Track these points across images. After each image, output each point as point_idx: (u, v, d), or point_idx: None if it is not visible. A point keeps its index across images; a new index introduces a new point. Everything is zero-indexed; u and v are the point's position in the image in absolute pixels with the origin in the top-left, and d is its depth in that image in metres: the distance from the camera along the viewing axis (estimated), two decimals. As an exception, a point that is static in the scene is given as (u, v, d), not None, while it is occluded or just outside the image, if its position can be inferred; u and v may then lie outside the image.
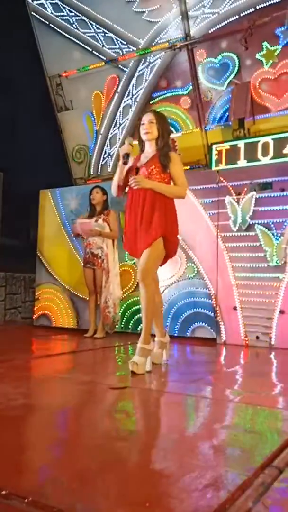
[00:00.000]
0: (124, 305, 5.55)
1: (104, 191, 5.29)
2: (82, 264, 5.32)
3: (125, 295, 5.53)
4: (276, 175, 4.72)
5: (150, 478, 1.44)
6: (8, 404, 2.22)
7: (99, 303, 5.21)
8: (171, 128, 6.23)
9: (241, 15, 5.69)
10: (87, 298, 5.44)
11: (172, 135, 6.24)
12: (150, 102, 6.51)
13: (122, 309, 5.54)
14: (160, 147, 3.33)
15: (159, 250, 3.23)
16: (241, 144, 5.28)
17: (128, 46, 6.60)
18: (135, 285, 5.50)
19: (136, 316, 5.47)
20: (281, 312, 4.56)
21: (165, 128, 3.39)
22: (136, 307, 5.48)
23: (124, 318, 5.56)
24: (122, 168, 3.39)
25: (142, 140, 3.42)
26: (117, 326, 5.33)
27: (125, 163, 3.35)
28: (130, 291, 5.54)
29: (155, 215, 3.19)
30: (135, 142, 3.47)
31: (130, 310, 5.54)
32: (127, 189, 3.45)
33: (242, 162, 5.24)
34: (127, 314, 5.55)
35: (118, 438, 1.84)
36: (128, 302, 5.55)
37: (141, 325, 5.32)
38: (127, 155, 3.33)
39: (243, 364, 3.99)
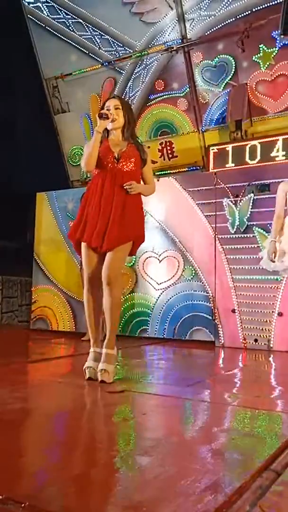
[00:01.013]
0: (121, 309, 5.52)
1: None
2: (80, 266, 5.28)
3: (122, 298, 5.51)
4: (274, 177, 4.71)
5: (148, 482, 1.43)
6: (5, 408, 2.20)
7: None
8: (167, 130, 6.29)
9: (238, 17, 5.68)
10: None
11: (169, 137, 6.24)
12: (147, 104, 6.49)
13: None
14: (127, 136, 3.07)
15: (126, 252, 3.01)
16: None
17: (124, 48, 6.59)
18: (131, 288, 5.48)
19: (135, 320, 5.45)
20: (280, 314, 4.54)
21: (131, 116, 3.12)
22: (133, 310, 5.46)
23: (121, 322, 5.53)
24: (99, 137, 2.98)
25: (106, 128, 3.06)
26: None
27: (100, 116, 2.96)
28: (127, 294, 5.51)
29: (130, 218, 2.96)
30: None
31: (127, 314, 5.51)
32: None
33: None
34: (124, 317, 5.52)
35: (115, 442, 1.82)
36: (125, 305, 5.52)
37: (140, 328, 5.36)
38: (105, 115, 2.96)
39: (241, 367, 3.96)
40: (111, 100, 3.08)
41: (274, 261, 3.51)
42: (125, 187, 2.96)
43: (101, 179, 2.99)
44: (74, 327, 5.87)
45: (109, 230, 2.90)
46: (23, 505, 1.22)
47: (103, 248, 2.90)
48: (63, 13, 6.92)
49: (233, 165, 5.18)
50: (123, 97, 6.66)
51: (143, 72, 6.51)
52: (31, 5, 7.12)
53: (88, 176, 7.07)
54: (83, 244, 2.99)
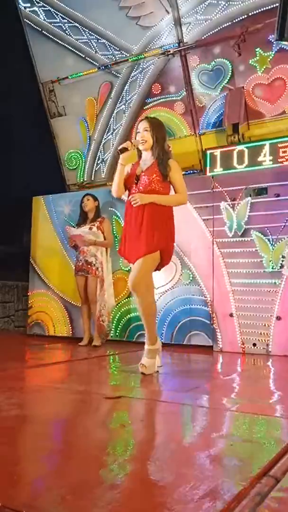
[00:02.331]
0: (119, 314, 5.50)
1: (95, 198, 5.26)
2: (74, 271, 5.25)
3: (119, 303, 5.48)
4: (271, 180, 4.70)
5: (146, 489, 1.41)
6: (1, 415, 2.17)
7: (92, 311, 5.16)
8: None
9: (234, 21, 5.69)
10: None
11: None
12: (144, 108, 6.49)
13: (116, 318, 5.49)
14: (157, 154, 3.34)
15: (154, 261, 3.31)
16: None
17: (121, 52, 6.59)
18: (129, 293, 5.45)
19: (132, 325, 5.42)
20: (278, 318, 4.51)
21: (160, 135, 3.39)
22: (131, 315, 5.43)
23: (119, 327, 5.50)
24: (122, 168, 3.40)
25: (139, 149, 3.44)
26: (110, 335, 5.30)
27: (118, 152, 3.36)
28: (124, 299, 5.49)
29: (154, 228, 3.25)
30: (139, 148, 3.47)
31: (124, 319, 5.48)
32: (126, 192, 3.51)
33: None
34: (121, 322, 5.49)
35: (113, 448, 1.80)
36: (122, 310, 5.49)
37: (138, 333, 5.32)
38: (123, 149, 3.34)
39: (240, 372, 3.94)
40: (141, 123, 3.44)
41: None
42: (129, 199, 3.32)
43: (128, 202, 3.38)
44: (71, 332, 5.83)
45: (135, 244, 3.29)
46: (20, 513, 1.20)
47: (132, 260, 3.33)
48: (60, 17, 6.93)
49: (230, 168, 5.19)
50: (120, 100, 6.68)
51: (139, 75, 6.51)
52: (27, 9, 7.12)
53: (85, 179, 7.07)
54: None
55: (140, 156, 3.48)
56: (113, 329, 5.45)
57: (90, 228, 5.08)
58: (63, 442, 1.94)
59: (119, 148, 3.36)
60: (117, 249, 3.65)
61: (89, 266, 5.05)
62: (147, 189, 3.30)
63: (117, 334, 5.49)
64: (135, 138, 3.46)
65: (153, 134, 3.36)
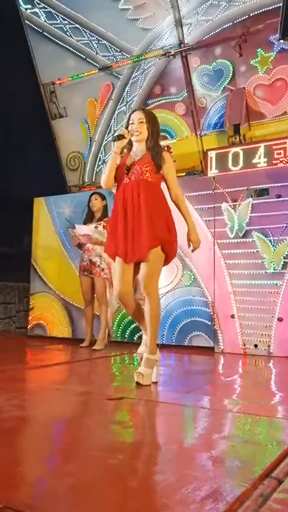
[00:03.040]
0: (120, 314, 5.49)
1: (103, 196, 5.22)
2: (78, 271, 5.21)
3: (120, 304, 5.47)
4: (272, 181, 4.69)
5: (148, 490, 1.41)
6: (2, 416, 2.17)
7: (97, 313, 5.11)
8: (166, 134, 6.28)
9: (235, 22, 5.69)
10: (83, 307, 5.34)
11: (167, 142, 6.23)
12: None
13: (117, 319, 5.48)
14: (150, 147, 3.15)
15: (160, 262, 3.09)
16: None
17: (122, 53, 6.59)
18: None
19: (132, 326, 5.41)
20: (280, 319, 4.50)
21: (155, 128, 3.20)
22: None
23: (120, 328, 5.49)
24: (116, 157, 3.15)
25: (131, 140, 3.19)
26: (112, 337, 5.30)
27: (114, 139, 3.15)
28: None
29: (153, 222, 3.02)
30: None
31: (126, 320, 5.47)
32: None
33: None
34: (123, 323, 5.48)
35: (115, 449, 1.79)
36: (124, 311, 5.48)
37: (137, 334, 5.31)
38: (120, 136, 3.11)
39: (241, 373, 3.93)
40: (136, 113, 3.20)
41: None
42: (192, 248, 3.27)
43: (121, 192, 3.15)
44: (71, 334, 5.83)
45: (136, 240, 3.02)
46: (22, 514, 1.20)
47: (134, 258, 3.04)
48: (60, 19, 6.93)
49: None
50: (121, 101, 6.68)
51: (140, 77, 6.51)
52: (28, 10, 7.13)
53: (86, 181, 7.07)
54: (117, 259, 3.12)
55: (130, 148, 3.23)
56: (114, 330, 5.45)
57: (96, 227, 5.04)
58: (64, 443, 1.94)
59: (115, 135, 3.12)
60: (105, 248, 3.32)
61: (93, 266, 4.99)
62: (139, 179, 3.09)
63: (118, 335, 5.48)
64: (128, 129, 3.20)
65: (148, 126, 3.15)
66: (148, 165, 3.10)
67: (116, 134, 3.20)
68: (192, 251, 3.28)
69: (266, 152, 5.02)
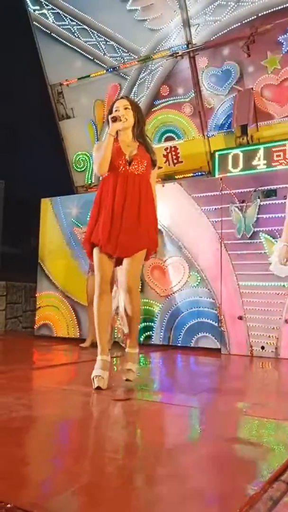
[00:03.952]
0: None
1: None
2: (89, 271, 5.13)
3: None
4: (280, 182, 4.67)
5: (156, 492, 1.40)
6: (11, 416, 2.17)
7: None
8: (172, 135, 6.28)
9: (243, 22, 5.67)
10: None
11: (174, 142, 6.22)
12: (152, 110, 6.48)
13: (124, 319, 5.47)
14: (139, 136, 3.08)
15: (143, 259, 3.04)
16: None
17: (129, 54, 6.59)
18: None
19: (140, 327, 5.39)
20: (287, 321, 4.48)
21: (141, 116, 3.13)
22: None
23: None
24: (111, 140, 2.95)
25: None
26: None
27: (111, 120, 2.95)
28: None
29: (143, 222, 2.94)
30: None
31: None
32: None
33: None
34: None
35: (122, 450, 1.79)
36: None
37: (144, 335, 5.31)
38: (117, 117, 2.95)
39: (248, 375, 3.91)
40: (120, 101, 3.09)
41: (286, 265, 3.43)
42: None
43: (113, 182, 2.98)
44: (78, 334, 5.83)
45: (122, 236, 2.89)
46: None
47: (117, 254, 2.92)
48: (68, 20, 6.95)
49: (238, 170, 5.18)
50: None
51: (148, 77, 6.51)
52: (36, 11, 7.15)
53: (93, 181, 7.07)
54: (96, 248, 2.97)
55: (116, 138, 3.06)
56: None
57: None
58: (72, 443, 1.94)
59: (111, 116, 2.95)
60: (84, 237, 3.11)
61: None
62: (141, 175, 3.02)
63: (124, 336, 5.47)
64: (108, 118, 3.04)
65: (134, 114, 3.05)
66: (147, 162, 3.05)
67: (112, 115, 2.96)
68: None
69: (265, 154, 5.06)
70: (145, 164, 3.02)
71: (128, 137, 3.07)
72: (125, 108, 3.02)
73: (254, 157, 5.14)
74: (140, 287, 3.13)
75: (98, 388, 2.78)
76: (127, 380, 2.95)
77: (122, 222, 2.90)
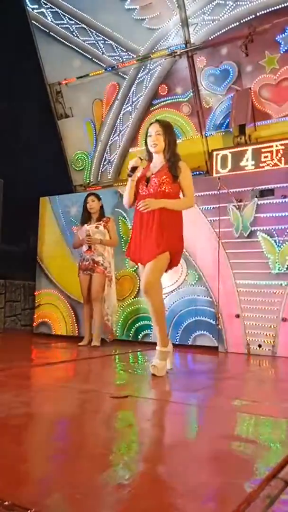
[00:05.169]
0: (124, 313, 5.51)
1: (99, 197, 5.25)
2: (80, 270, 5.17)
3: (125, 303, 5.49)
4: (278, 181, 4.70)
5: (154, 490, 1.41)
6: (10, 413, 2.18)
7: (94, 309, 5.11)
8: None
9: (242, 21, 5.68)
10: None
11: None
12: (150, 109, 6.50)
13: (122, 317, 5.50)
14: (168, 157, 3.38)
15: (164, 262, 3.32)
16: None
17: (128, 54, 6.60)
18: (135, 293, 5.46)
19: (137, 324, 5.43)
20: (284, 319, 4.51)
21: (171, 138, 3.44)
22: (137, 315, 5.44)
23: (125, 326, 5.51)
24: (133, 183, 3.46)
25: (150, 152, 3.48)
26: (117, 334, 5.31)
27: (129, 175, 3.43)
28: (131, 298, 5.50)
29: (164, 230, 3.28)
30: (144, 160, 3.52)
31: (130, 318, 5.49)
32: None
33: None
34: (127, 322, 5.50)
35: (120, 448, 1.80)
36: (128, 310, 5.50)
37: (142, 333, 5.34)
38: (133, 169, 3.39)
39: (246, 373, 3.94)
40: (153, 126, 3.45)
41: None
42: (138, 207, 3.35)
43: (137, 205, 3.40)
44: (77, 332, 5.85)
45: (146, 246, 3.31)
46: (28, 511, 1.21)
47: (143, 262, 3.36)
48: (67, 19, 6.95)
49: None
50: (127, 101, 6.69)
51: (146, 77, 6.52)
52: (35, 10, 7.15)
53: (92, 180, 7.09)
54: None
55: (150, 159, 3.51)
56: (119, 328, 5.47)
57: (97, 227, 5.09)
58: (70, 440, 1.95)
59: (130, 167, 3.41)
60: (125, 252, 3.68)
61: (95, 265, 5.03)
62: (156, 191, 3.33)
63: (123, 333, 5.50)
64: (145, 141, 3.50)
65: (165, 137, 3.39)
66: (166, 177, 3.32)
67: (130, 166, 3.41)
68: (137, 206, 3.42)
69: (254, 155, 5.19)
70: (164, 179, 3.32)
71: (159, 159, 3.43)
72: (157, 134, 3.39)
73: (253, 156, 5.17)
74: (156, 289, 3.33)
75: (153, 374, 3.24)
76: (153, 374, 3.23)
77: (141, 236, 3.36)
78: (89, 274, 5.09)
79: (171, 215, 3.35)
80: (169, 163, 3.37)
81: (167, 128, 3.45)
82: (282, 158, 5.03)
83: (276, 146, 5.08)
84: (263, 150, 5.14)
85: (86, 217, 5.22)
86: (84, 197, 5.34)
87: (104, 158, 7.00)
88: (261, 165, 5.11)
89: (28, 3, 7.18)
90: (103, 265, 5.04)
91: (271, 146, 5.11)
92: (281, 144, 5.06)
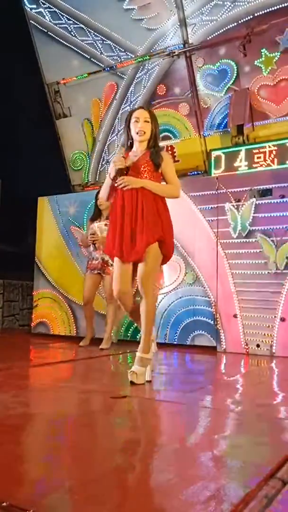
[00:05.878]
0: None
1: None
2: (88, 269, 5.10)
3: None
4: (276, 181, 4.70)
5: (152, 490, 1.41)
6: (7, 413, 2.19)
7: (109, 311, 5.03)
8: (170, 134, 6.30)
9: (240, 22, 5.69)
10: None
11: (171, 142, 6.25)
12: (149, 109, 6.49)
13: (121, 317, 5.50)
14: (151, 146, 3.14)
15: (157, 254, 3.06)
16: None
17: (126, 53, 6.60)
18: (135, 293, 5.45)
19: (135, 325, 5.42)
20: (282, 319, 4.52)
21: (157, 129, 3.20)
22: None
23: (123, 326, 5.51)
24: (109, 181, 3.17)
25: (132, 139, 3.18)
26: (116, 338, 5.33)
27: (117, 175, 3.07)
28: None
29: (149, 218, 3.00)
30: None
31: (128, 318, 5.48)
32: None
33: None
34: (125, 322, 5.50)
35: (118, 448, 1.80)
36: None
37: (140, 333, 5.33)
38: (121, 173, 3.06)
39: (244, 373, 3.94)
40: (141, 112, 3.14)
41: None
42: (117, 183, 3.05)
43: (120, 193, 3.10)
44: (75, 332, 5.85)
45: (133, 240, 3.01)
46: (26, 512, 1.21)
47: (131, 258, 3.03)
48: (65, 19, 6.95)
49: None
50: (125, 101, 6.69)
51: (144, 77, 6.53)
52: (33, 10, 7.15)
53: (90, 180, 7.09)
54: (115, 258, 3.10)
55: (131, 146, 3.22)
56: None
57: (106, 225, 5.00)
58: (69, 440, 1.95)
59: (117, 169, 3.05)
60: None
61: (105, 265, 4.95)
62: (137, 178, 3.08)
63: (120, 333, 5.50)
64: (127, 126, 3.18)
65: (152, 127, 3.13)
66: (146, 165, 3.10)
67: (117, 168, 3.05)
68: (116, 184, 3.09)
69: (247, 156, 5.22)
70: (142, 168, 3.07)
71: (141, 148, 3.16)
72: (145, 121, 3.11)
73: (250, 156, 5.19)
74: (151, 290, 3.08)
75: (131, 382, 2.96)
76: (131, 382, 2.96)
77: (131, 228, 3.02)
78: (97, 273, 5.02)
79: (156, 204, 3.08)
80: (151, 150, 3.13)
81: (155, 118, 3.19)
82: (275, 159, 5.04)
83: (269, 147, 5.10)
84: (254, 151, 5.20)
85: (96, 213, 5.12)
86: (86, 196, 5.29)
87: (102, 158, 7.00)
88: (254, 165, 5.14)
89: (26, 3, 7.18)
90: (112, 265, 4.93)
91: (264, 147, 5.13)
92: (274, 145, 5.08)
